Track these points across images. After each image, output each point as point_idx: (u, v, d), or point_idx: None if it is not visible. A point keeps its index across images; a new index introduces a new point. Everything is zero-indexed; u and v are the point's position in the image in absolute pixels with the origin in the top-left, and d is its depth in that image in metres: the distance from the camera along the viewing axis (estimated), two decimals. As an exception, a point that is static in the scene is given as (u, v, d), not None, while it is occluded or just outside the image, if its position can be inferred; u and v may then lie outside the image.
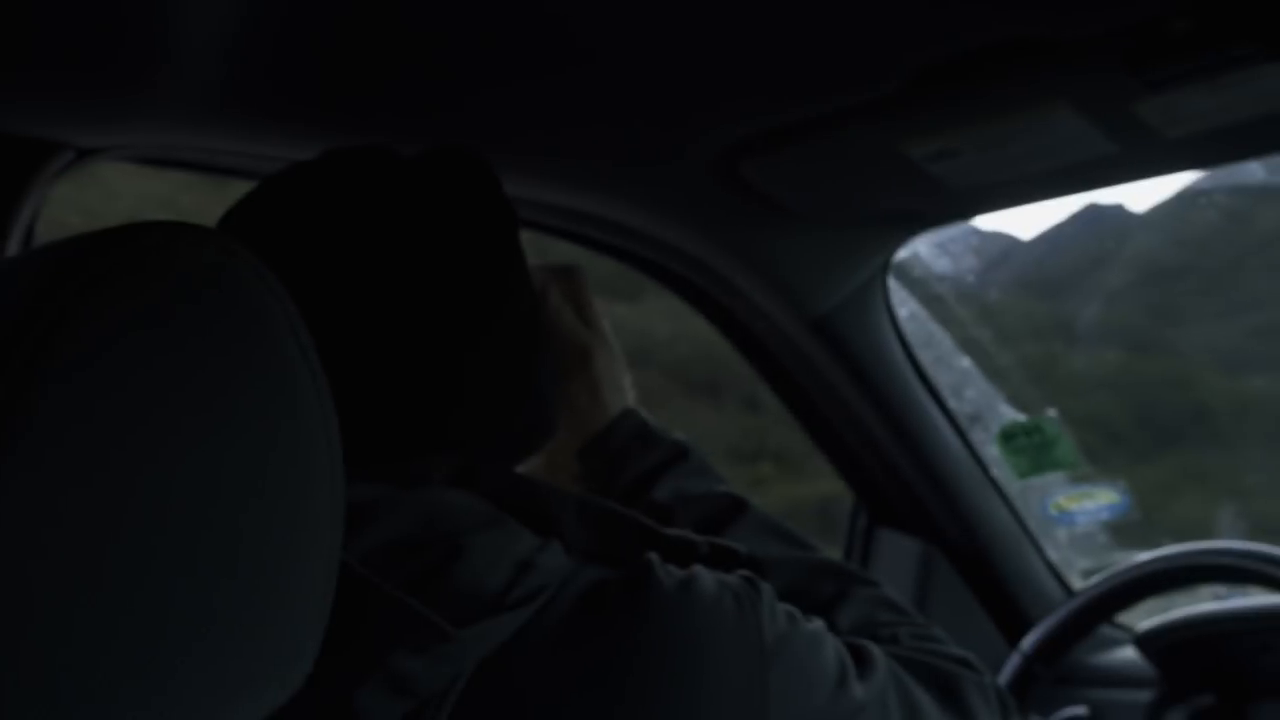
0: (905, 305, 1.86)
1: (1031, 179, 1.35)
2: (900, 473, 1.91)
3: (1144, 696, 1.84)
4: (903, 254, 1.74)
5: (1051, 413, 1.93)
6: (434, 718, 0.73)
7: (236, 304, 0.63)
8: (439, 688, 0.74)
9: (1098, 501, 1.99)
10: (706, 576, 0.83)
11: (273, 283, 0.65)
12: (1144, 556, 1.69)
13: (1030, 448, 1.92)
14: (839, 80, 1.16)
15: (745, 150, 1.32)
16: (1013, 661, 1.75)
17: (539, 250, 1.58)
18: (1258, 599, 1.75)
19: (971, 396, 1.97)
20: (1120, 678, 1.91)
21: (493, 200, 0.97)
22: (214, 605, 0.58)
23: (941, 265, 1.92)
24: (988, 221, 1.93)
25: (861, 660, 0.89)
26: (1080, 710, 1.88)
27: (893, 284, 1.79)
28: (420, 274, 0.89)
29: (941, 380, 1.90)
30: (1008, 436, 1.93)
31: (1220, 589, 1.91)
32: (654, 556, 0.84)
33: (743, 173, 1.37)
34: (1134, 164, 1.32)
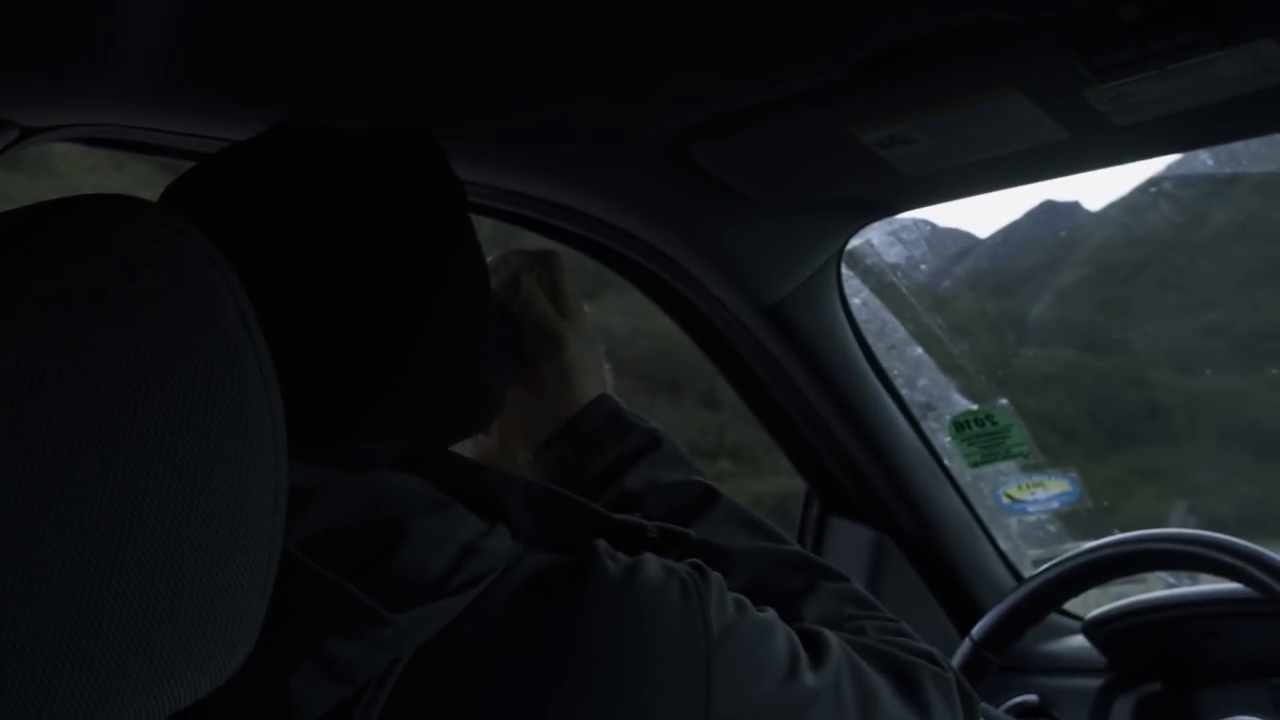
0: (858, 294, 1.86)
1: (984, 167, 1.36)
2: (853, 461, 1.92)
3: (1093, 684, 1.86)
4: (856, 242, 1.74)
5: (1003, 402, 1.94)
6: (371, 702, 0.72)
7: (179, 277, 0.62)
8: (377, 672, 0.73)
9: (1049, 491, 2.00)
10: (653, 563, 0.83)
11: (216, 256, 0.65)
12: (1092, 544, 1.70)
13: (982, 437, 1.93)
14: (791, 64, 1.16)
15: (698, 135, 1.32)
16: (963, 649, 1.75)
17: (507, 237, 1.57)
18: (1204, 586, 1.76)
19: (924, 385, 1.98)
20: (1069, 665, 1.93)
21: (439, 176, 0.96)
22: (154, 583, 0.58)
23: (894, 254, 1.92)
24: (944, 219, 1.94)
25: (815, 648, 0.89)
26: (1030, 698, 1.89)
27: (846, 273, 1.79)
28: (362, 251, 0.88)
29: (894, 369, 1.91)
30: (960, 426, 1.94)
31: (1170, 577, 1.93)
32: (601, 543, 0.83)
33: (696, 158, 1.36)
34: (1086, 152, 1.32)
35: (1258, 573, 1.48)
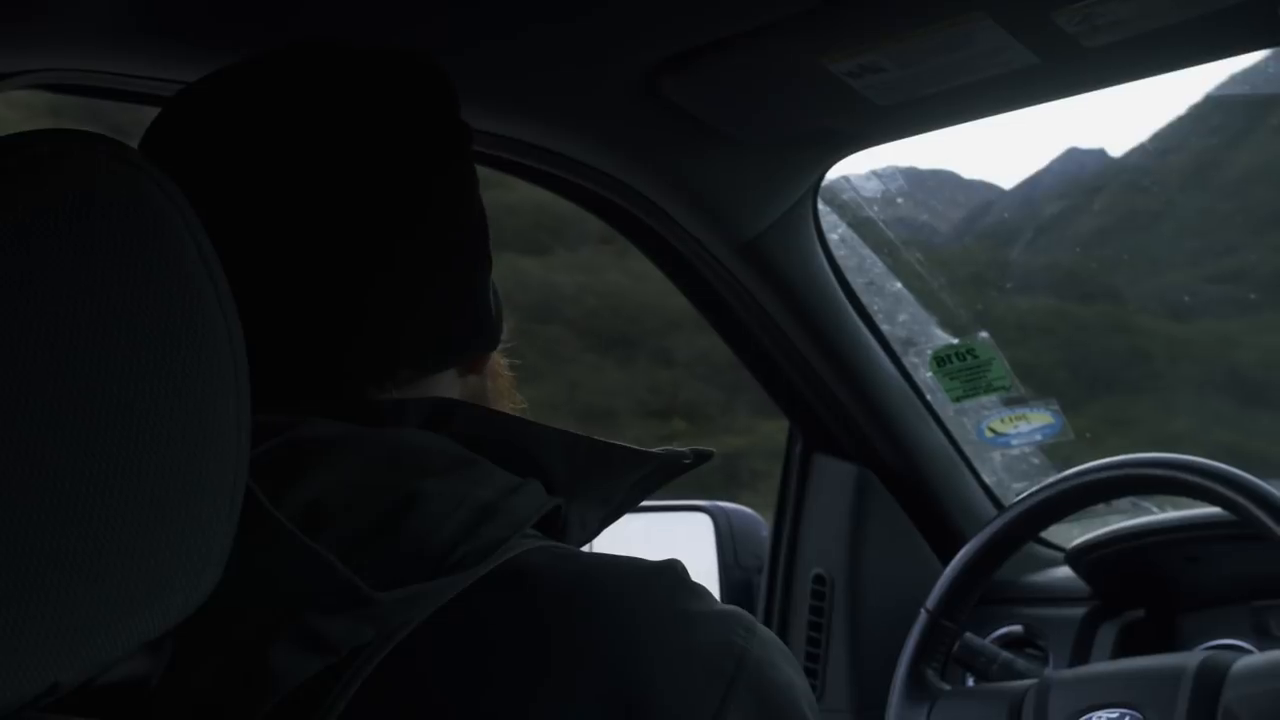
0: (836, 229, 1.86)
1: (956, 95, 1.35)
2: (835, 398, 1.92)
3: (1077, 612, 1.87)
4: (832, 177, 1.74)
5: (984, 335, 1.94)
6: (353, 676, 0.69)
7: (133, 211, 0.62)
8: (363, 643, 0.69)
9: (1031, 423, 2.01)
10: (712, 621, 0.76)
11: (172, 190, 0.64)
12: (1068, 472, 1.71)
13: (964, 371, 1.93)
14: (758, -8, 1.16)
15: (668, 69, 1.31)
16: (920, 621, 1.74)
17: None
18: (1184, 511, 1.77)
19: (905, 320, 1.98)
20: (1053, 595, 1.94)
21: (449, 114, 0.93)
22: (120, 514, 0.58)
23: (871, 188, 1.92)
24: (968, 170, 1.93)
25: None
26: (1015, 628, 1.91)
27: (823, 208, 1.79)
28: (372, 181, 0.85)
29: (874, 305, 1.91)
30: (941, 360, 1.94)
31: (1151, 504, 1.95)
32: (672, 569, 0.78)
33: (666, 92, 1.36)
34: (1058, 77, 1.32)
35: (1233, 495, 1.49)
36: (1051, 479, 1.72)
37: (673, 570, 0.78)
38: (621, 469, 0.87)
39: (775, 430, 2.14)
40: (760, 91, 1.36)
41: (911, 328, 1.99)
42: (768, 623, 2.03)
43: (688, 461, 0.91)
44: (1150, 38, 1.19)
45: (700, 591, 0.79)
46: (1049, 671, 1.57)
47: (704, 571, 2.10)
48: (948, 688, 1.71)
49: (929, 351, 1.96)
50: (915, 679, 1.71)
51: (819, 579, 2.00)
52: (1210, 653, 1.45)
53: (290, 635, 0.69)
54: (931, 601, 1.75)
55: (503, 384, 1.00)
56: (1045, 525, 1.78)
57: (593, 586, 0.75)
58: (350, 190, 0.85)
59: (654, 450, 0.88)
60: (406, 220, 0.87)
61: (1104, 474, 1.65)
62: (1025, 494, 1.75)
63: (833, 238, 1.83)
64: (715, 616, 0.77)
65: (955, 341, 1.95)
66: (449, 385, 0.91)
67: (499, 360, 0.99)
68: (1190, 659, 1.45)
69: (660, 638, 0.73)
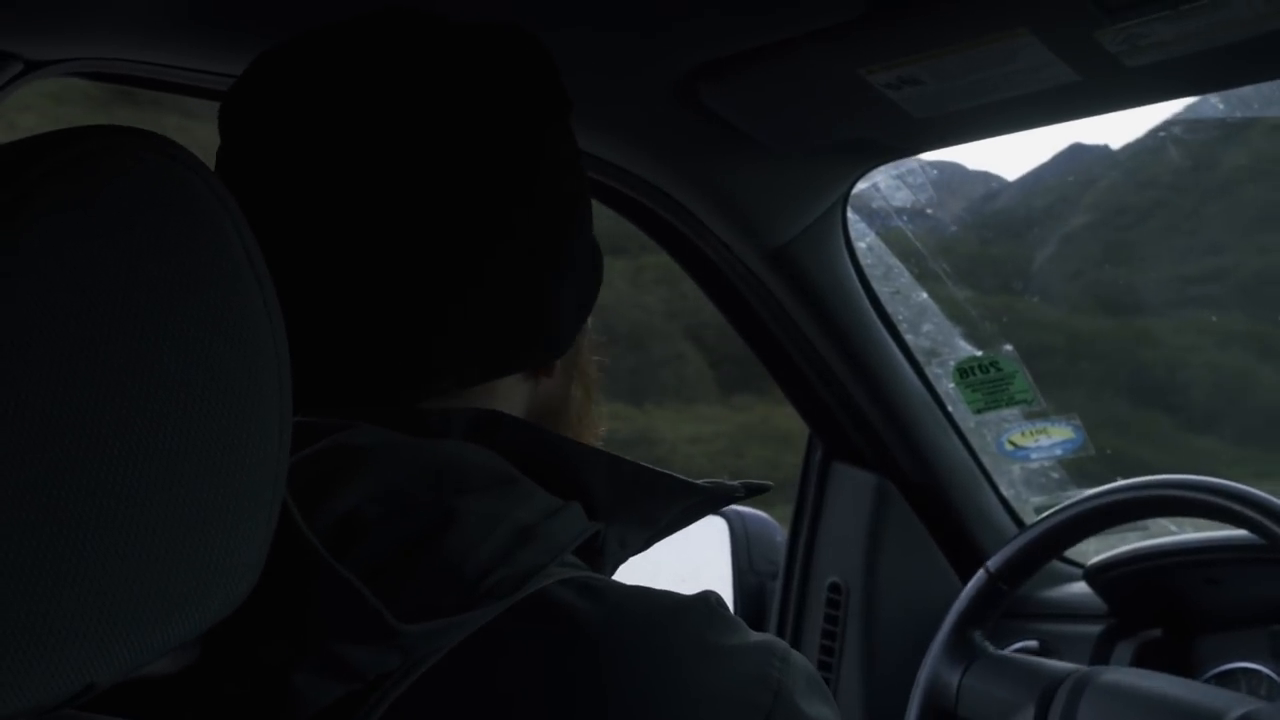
0: (864, 238, 1.86)
1: (993, 109, 1.34)
2: (856, 406, 1.92)
3: (1094, 630, 1.87)
4: (861, 186, 1.73)
5: (1008, 348, 1.94)
6: (380, 700, 0.68)
7: (181, 210, 0.61)
8: (389, 670, 0.69)
9: (1052, 438, 2.00)
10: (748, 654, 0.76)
11: (217, 186, 0.64)
12: (1104, 488, 1.70)
13: (986, 383, 1.93)
14: (800, 2, 1.15)
15: (706, 75, 1.31)
16: (978, 579, 1.76)
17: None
18: (1207, 533, 1.77)
19: (929, 331, 1.97)
20: (1070, 611, 1.93)
21: (540, 83, 0.89)
22: (161, 516, 0.58)
23: (901, 198, 1.91)
24: (974, 160, 1.92)
25: None
26: (1031, 644, 1.90)
27: (852, 217, 1.79)
28: (471, 155, 0.81)
29: (899, 314, 1.90)
30: (964, 372, 1.94)
31: (1172, 524, 1.94)
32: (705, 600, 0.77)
33: (703, 99, 1.36)
34: (1096, 95, 1.31)
35: (1263, 519, 1.48)
36: (1089, 493, 1.71)
37: (705, 603, 0.77)
38: (665, 499, 0.85)
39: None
40: (798, 101, 1.36)
41: (935, 338, 1.98)
42: (781, 630, 2.03)
43: (739, 496, 0.89)
44: (1192, 59, 1.18)
45: (734, 623, 0.78)
46: (1090, 668, 1.56)
47: (718, 577, 2.09)
48: (991, 651, 1.71)
49: (952, 362, 1.96)
50: (959, 638, 1.72)
51: (834, 587, 1.99)
52: (1254, 707, 1.43)
53: (314, 661, 0.68)
54: (995, 563, 1.76)
55: (589, 388, 0.96)
56: (1076, 541, 1.78)
57: (624, 622, 0.74)
58: (448, 166, 0.80)
59: (701, 482, 0.86)
60: (512, 201, 0.82)
61: (1142, 493, 1.63)
62: (1098, 491, 1.73)
63: (860, 246, 1.82)
64: (750, 649, 0.76)
65: (979, 353, 1.95)
66: (511, 388, 0.88)
67: (587, 359, 0.95)
68: (1230, 707, 1.43)
69: (694, 674, 0.73)
